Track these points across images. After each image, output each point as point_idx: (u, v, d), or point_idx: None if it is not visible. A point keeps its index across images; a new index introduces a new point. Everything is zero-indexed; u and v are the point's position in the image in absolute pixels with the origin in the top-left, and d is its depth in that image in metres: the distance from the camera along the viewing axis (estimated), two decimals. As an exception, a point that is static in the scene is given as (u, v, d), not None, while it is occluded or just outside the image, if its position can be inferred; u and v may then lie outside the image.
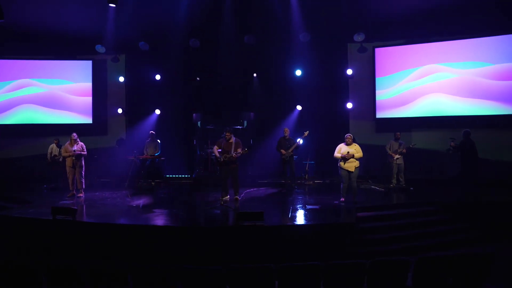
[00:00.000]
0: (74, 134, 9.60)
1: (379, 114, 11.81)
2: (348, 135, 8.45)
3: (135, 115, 12.82)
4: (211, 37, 11.61)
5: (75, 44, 12.61)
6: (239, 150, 8.26)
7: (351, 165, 8.19)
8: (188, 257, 6.21)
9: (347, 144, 8.34)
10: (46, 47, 12.65)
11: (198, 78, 12.10)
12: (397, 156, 9.99)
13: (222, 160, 8.33)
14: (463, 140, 9.44)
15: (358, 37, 11.30)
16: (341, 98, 12.22)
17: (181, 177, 11.99)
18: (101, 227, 6.82)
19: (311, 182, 11.12)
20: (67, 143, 9.61)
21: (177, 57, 12.18)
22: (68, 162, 9.47)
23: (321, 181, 11.39)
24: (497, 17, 10.16)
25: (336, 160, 8.40)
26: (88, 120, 12.74)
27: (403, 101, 11.53)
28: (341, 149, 8.30)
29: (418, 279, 4.27)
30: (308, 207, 7.93)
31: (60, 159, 10.77)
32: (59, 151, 10.82)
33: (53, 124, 12.66)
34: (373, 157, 10.51)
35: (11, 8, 9.34)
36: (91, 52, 12.53)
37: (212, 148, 10.11)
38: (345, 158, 8.17)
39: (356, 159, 8.20)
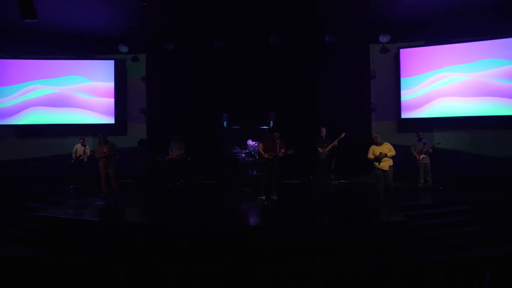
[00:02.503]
0: (102, 135, 9.55)
1: (404, 115, 11.91)
2: (374, 136, 8.75)
3: (157, 115, 12.71)
4: (237, 37, 11.61)
5: (95, 44, 12.46)
6: (283, 150, 8.34)
7: (385, 164, 8.41)
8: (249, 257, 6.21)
9: (377, 144, 8.53)
10: (66, 46, 12.46)
11: (223, 78, 12.07)
12: (423, 156, 10.11)
13: (266, 157, 8.39)
14: None
15: (384, 38, 11.37)
16: (363, 98, 12.28)
17: (207, 177, 11.92)
18: (152, 228, 6.79)
19: (337, 182, 11.19)
20: (98, 144, 9.54)
21: (201, 57, 12.18)
22: (101, 163, 9.42)
23: (347, 181, 11.44)
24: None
25: (371, 160, 8.53)
26: (110, 120, 12.59)
27: (427, 101, 11.60)
28: (373, 150, 8.49)
29: (497, 277, 4.35)
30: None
31: (85, 159, 10.68)
32: (84, 151, 10.72)
33: (74, 124, 12.48)
34: (396, 156, 10.59)
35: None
36: (112, 51, 12.42)
37: (251, 148, 10.51)
38: (378, 159, 8.35)
39: (390, 157, 8.41)
